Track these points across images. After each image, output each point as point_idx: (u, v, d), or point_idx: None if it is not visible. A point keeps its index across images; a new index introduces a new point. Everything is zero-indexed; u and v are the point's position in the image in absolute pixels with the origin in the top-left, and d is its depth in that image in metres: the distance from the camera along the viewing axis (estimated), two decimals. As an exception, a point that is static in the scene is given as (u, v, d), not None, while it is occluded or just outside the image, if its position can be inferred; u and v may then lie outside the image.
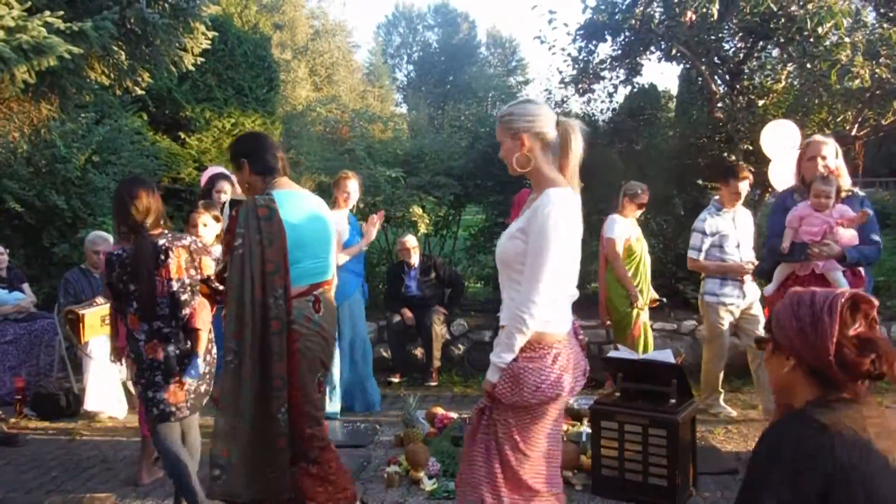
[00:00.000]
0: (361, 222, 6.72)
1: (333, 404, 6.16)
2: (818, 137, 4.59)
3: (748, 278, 5.94)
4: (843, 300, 1.86)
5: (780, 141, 6.64)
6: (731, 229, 5.96)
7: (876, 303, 1.90)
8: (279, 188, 3.53)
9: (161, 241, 3.85)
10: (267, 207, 3.35)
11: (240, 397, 3.25)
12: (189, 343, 3.94)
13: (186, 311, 3.91)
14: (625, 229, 6.43)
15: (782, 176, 6.64)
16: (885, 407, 1.81)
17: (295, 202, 3.52)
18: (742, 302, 5.95)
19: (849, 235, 4.48)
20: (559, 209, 2.70)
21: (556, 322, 2.78)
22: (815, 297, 1.90)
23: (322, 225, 3.60)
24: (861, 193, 4.63)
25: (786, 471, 1.76)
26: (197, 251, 4.01)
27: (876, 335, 1.85)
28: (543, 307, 2.69)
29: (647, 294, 6.51)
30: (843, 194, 4.62)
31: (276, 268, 3.28)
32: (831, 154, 4.60)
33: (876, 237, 4.54)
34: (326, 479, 3.51)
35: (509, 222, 6.43)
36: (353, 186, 6.38)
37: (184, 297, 3.89)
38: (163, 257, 3.83)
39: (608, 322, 6.69)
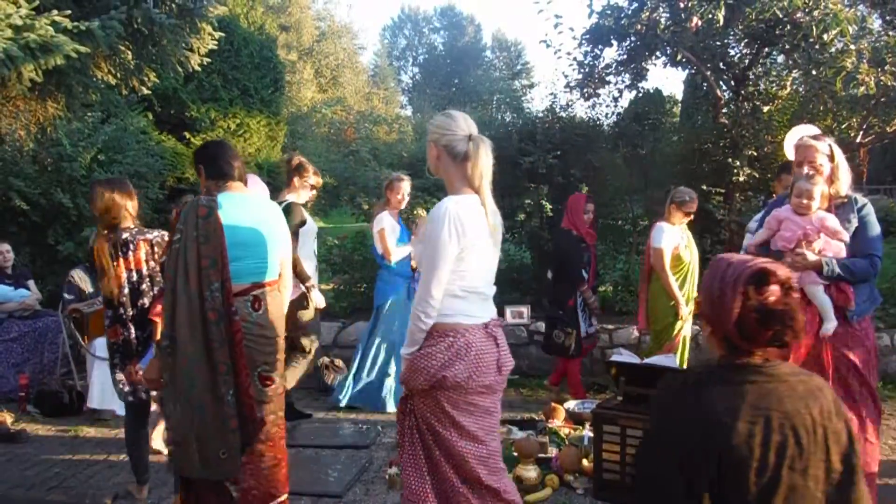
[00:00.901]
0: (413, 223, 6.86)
1: (343, 395, 6.47)
2: (808, 140, 4.01)
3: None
4: (749, 272, 1.95)
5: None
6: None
7: (791, 275, 1.97)
8: (227, 191, 3.72)
9: (124, 235, 4.30)
10: (207, 207, 3.48)
11: (183, 381, 3.36)
12: (149, 331, 4.30)
13: (146, 299, 4.33)
14: (673, 238, 6.22)
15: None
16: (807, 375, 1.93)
17: (239, 205, 3.68)
18: None
19: (832, 245, 3.85)
20: (453, 216, 2.97)
21: (459, 315, 3.05)
22: (727, 269, 2.00)
23: (266, 228, 3.73)
24: (862, 200, 4.00)
25: (657, 442, 2.01)
26: (159, 244, 4.39)
27: (783, 307, 1.93)
28: (438, 304, 3.00)
29: (692, 303, 6.22)
30: (838, 201, 3.97)
31: (211, 263, 3.39)
32: (825, 159, 3.98)
33: (874, 251, 3.85)
34: (257, 470, 3.65)
35: (566, 226, 6.48)
36: (406, 189, 6.55)
37: (142, 286, 4.32)
38: (124, 249, 4.28)
39: (644, 331, 6.58)
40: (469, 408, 3.05)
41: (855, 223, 3.87)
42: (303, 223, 6.01)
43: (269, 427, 3.68)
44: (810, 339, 3.80)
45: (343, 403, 6.49)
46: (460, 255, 3.00)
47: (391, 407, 6.35)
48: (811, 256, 3.77)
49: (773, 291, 1.93)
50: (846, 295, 3.79)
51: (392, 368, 6.49)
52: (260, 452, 3.63)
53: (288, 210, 5.77)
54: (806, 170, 3.91)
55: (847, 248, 3.82)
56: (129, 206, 4.41)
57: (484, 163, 3.13)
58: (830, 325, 3.76)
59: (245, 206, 3.73)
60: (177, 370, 3.38)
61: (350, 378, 6.59)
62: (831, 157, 3.91)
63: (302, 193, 6.16)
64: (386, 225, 6.44)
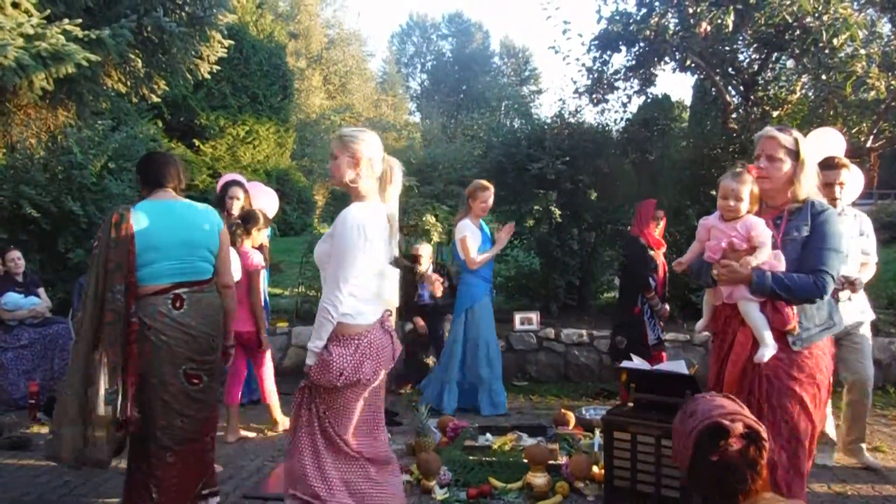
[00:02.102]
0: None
1: (450, 402, 6.62)
2: (770, 131, 3.43)
3: (846, 296, 4.92)
4: (701, 428, 1.92)
5: (825, 150, 6.52)
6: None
7: (754, 423, 1.98)
8: (153, 198, 4.00)
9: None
10: (119, 214, 3.82)
11: (73, 374, 3.69)
12: None
13: None
14: None
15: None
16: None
17: (159, 211, 3.92)
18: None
19: (765, 255, 3.31)
20: (360, 220, 3.28)
21: (360, 316, 3.33)
22: (687, 419, 1.98)
23: (186, 231, 3.94)
24: (822, 206, 3.34)
25: None
26: None
27: (737, 460, 1.92)
28: (345, 300, 3.26)
29: None
30: (793, 206, 3.37)
31: (116, 266, 3.70)
32: (787, 154, 3.36)
33: (823, 267, 3.22)
34: (185, 469, 3.87)
35: (634, 233, 6.40)
36: (489, 197, 6.68)
37: None
38: None
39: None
40: (367, 397, 3.41)
41: (805, 232, 3.29)
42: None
43: (200, 426, 3.92)
44: (741, 362, 3.36)
45: (450, 410, 6.54)
46: (362, 258, 3.29)
47: (486, 410, 6.56)
48: (741, 269, 3.30)
49: (729, 445, 1.92)
50: (782, 316, 3.27)
51: (484, 371, 6.62)
52: (190, 450, 3.89)
53: None
54: (762, 163, 3.39)
55: (794, 261, 3.29)
56: None
57: (397, 182, 3.58)
58: (765, 349, 3.25)
59: (166, 211, 3.93)
60: (72, 364, 3.74)
61: (447, 383, 6.68)
62: (796, 154, 3.34)
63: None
64: (468, 232, 6.59)
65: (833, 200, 4.79)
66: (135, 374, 3.72)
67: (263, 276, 6.21)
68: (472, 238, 6.59)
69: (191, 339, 3.85)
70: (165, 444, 3.81)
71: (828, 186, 4.68)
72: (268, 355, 6.12)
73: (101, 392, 3.61)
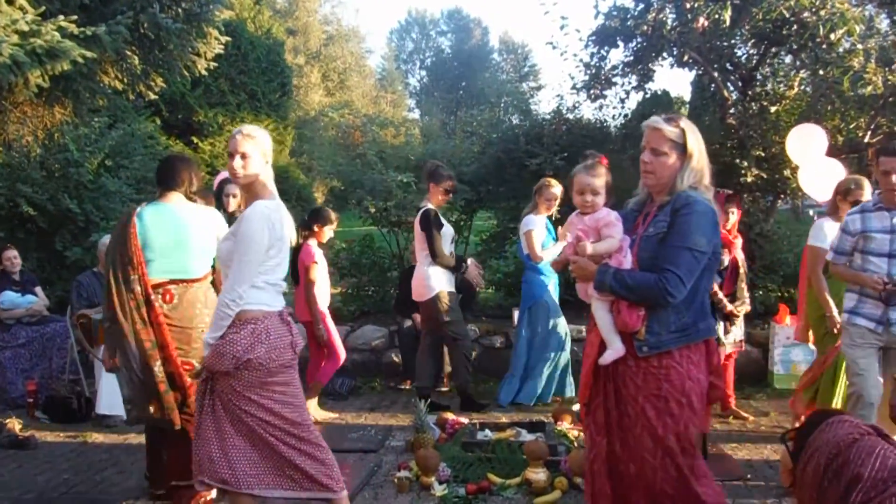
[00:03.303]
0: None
1: (507, 395, 6.68)
2: (656, 122, 3.13)
3: None
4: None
5: (806, 146, 6.51)
6: (883, 231, 4.39)
7: None
8: (160, 200, 4.39)
9: None
10: (128, 214, 4.33)
11: (123, 353, 4.17)
12: None
13: None
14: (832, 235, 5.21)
15: (812, 182, 6.54)
16: None
17: (160, 214, 4.33)
18: (883, 330, 4.35)
19: (604, 247, 3.10)
20: (265, 217, 3.41)
21: (258, 304, 3.44)
22: (857, 465, 1.59)
23: (179, 233, 4.31)
24: (688, 198, 3.01)
25: None
26: None
27: None
28: (245, 294, 3.38)
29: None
30: (664, 199, 3.11)
31: (128, 260, 4.19)
32: (672, 147, 3.07)
33: (671, 267, 2.92)
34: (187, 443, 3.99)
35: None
36: (557, 193, 6.60)
37: None
38: None
39: (811, 343, 5.79)
40: (270, 385, 3.47)
41: (664, 228, 3.02)
42: (440, 227, 6.39)
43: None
44: (590, 363, 3.16)
45: (506, 403, 6.63)
46: (268, 253, 3.44)
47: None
48: (587, 264, 3.10)
49: None
50: (623, 317, 3.00)
51: (547, 366, 6.66)
52: (186, 429, 4.16)
53: (426, 216, 6.35)
54: (646, 156, 3.13)
55: (649, 259, 3.03)
56: None
57: None
58: (608, 352, 3.03)
59: (166, 215, 4.33)
60: (119, 343, 4.18)
61: (512, 378, 6.72)
62: (682, 146, 3.05)
63: (438, 199, 6.51)
64: (533, 227, 6.53)
65: (891, 192, 4.33)
66: (172, 349, 4.23)
67: (323, 271, 6.37)
68: (537, 233, 6.52)
69: (179, 329, 4.27)
70: (190, 403, 4.19)
71: (885, 175, 4.31)
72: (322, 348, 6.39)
73: (154, 367, 4.17)
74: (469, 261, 6.77)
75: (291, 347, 3.58)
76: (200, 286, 4.40)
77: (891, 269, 4.32)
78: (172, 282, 4.28)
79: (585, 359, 3.20)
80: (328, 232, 6.45)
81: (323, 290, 6.32)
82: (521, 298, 6.86)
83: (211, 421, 3.50)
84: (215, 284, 4.45)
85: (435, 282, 6.35)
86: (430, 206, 6.47)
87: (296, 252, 6.43)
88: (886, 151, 4.34)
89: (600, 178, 3.26)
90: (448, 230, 6.57)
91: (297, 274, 6.37)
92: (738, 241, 6.20)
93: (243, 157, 3.51)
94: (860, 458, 1.56)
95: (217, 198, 6.51)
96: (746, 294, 6.20)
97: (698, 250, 2.93)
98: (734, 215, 6.09)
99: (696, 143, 3.07)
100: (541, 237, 6.56)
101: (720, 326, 5.99)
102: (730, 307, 6.02)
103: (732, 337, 6.11)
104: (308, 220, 6.46)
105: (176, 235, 4.28)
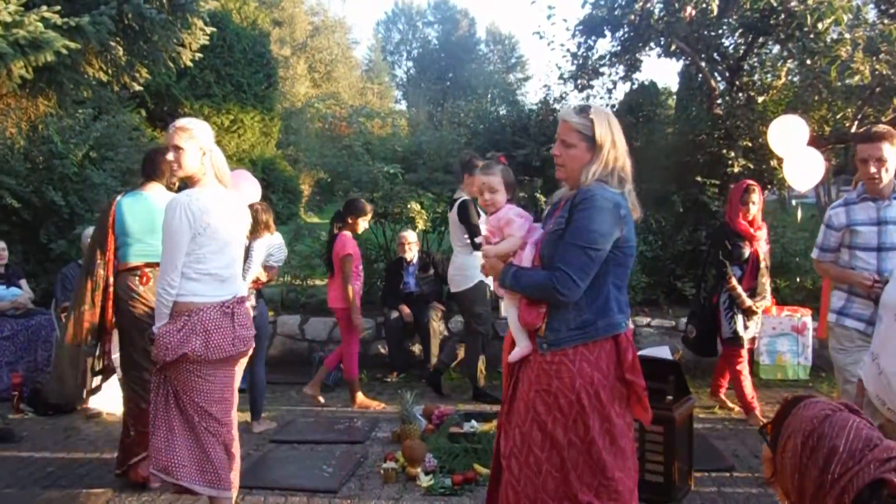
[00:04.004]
0: None
1: None
2: (566, 113, 3.06)
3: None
4: (861, 485, 1.53)
5: (789, 137, 6.49)
6: (869, 224, 4.11)
7: None
8: (139, 190, 4.67)
9: None
10: (107, 203, 4.67)
11: (67, 331, 4.48)
12: None
13: None
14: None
15: (797, 173, 6.54)
16: None
17: (137, 201, 4.59)
18: (872, 331, 3.70)
19: (507, 246, 3.09)
20: (184, 207, 3.48)
21: (192, 295, 3.53)
22: (851, 449, 1.56)
23: (154, 220, 4.39)
24: (588, 192, 2.87)
25: None
26: None
27: None
28: (176, 283, 3.49)
29: None
30: (571, 195, 2.99)
31: (98, 245, 4.52)
32: (580, 139, 2.97)
33: (562, 264, 2.83)
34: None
35: (726, 219, 6.00)
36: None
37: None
38: None
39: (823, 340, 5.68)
40: (206, 378, 3.57)
41: (563, 224, 2.92)
42: (477, 217, 6.34)
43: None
44: (504, 360, 3.13)
45: None
46: (196, 241, 3.49)
47: None
48: (496, 264, 3.09)
49: None
50: (523, 315, 2.97)
51: None
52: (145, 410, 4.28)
53: (464, 207, 6.33)
54: (556, 149, 3.06)
55: (549, 256, 2.93)
56: None
57: (222, 157, 3.76)
58: (515, 350, 3.02)
59: (142, 203, 4.58)
60: (67, 325, 4.51)
61: None
62: (592, 137, 2.94)
63: (472, 189, 6.29)
64: None
65: (872, 181, 4.03)
66: (110, 332, 4.62)
67: (357, 262, 6.45)
68: None
69: (151, 310, 4.32)
70: (139, 392, 4.48)
71: (863, 164, 4.02)
72: (356, 335, 6.55)
73: (84, 346, 4.47)
74: None
75: (233, 341, 3.60)
76: None
77: (880, 264, 4.02)
78: (148, 265, 4.52)
79: (503, 356, 3.16)
80: (363, 223, 6.55)
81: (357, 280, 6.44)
82: None
83: (162, 410, 3.62)
84: None
85: (473, 272, 6.29)
86: (466, 196, 6.42)
87: (330, 243, 6.52)
88: (863, 138, 4.13)
89: (496, 176, 3.20)
90: (485, 220, 6.45)
91: (332, 264, 6.44)
92: (762, 233, 5.96)
93: (177, 150, 3.61)
94: (834, 432, 1.56)
95: None
96: (768, 289, 5.99)
97: (593, 248, 2.82)
98: (755, 206, 5.85)
99: (606, 135, 2.94)
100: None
101: (739, 322, 5.83)
102: (748, 303, 5.82)
103: (751, 333, 5.91)
104: (343, 211, 6.54)
105: (150, 222, 4.46)
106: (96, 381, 4.70)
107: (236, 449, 3.78)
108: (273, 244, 5.82)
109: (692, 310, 6.35)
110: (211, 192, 3.61)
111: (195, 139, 3.61)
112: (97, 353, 4.59)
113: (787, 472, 1.60)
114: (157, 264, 4.28)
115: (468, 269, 6.36)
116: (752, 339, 5.98)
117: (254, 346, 3.87)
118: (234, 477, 3.76)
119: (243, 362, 3.84)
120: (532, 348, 2.96)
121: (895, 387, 2.70)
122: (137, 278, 4.51)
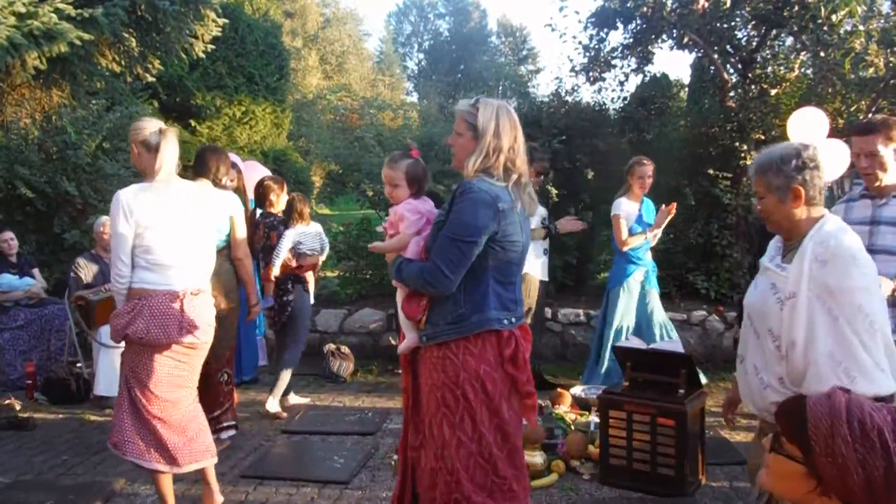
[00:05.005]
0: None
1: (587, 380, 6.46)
2: (459, 103, 3.06)
3: None
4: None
5: (808, 129, 6.41)
6: (861, 223, 3.62)
7: None
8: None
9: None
10: None
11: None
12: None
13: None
14: None
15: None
16: None
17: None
18: None
19: (391, 245, 3.14)
20: (122, 203, 3.66)
21: (143, 282, 3.73)
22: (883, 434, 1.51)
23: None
24: (466, 185, 2.89)
25: None
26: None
27: None
28: (126, 271, 3.70)
29: None
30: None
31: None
32: (466, 128, 2.95)
33: (437, 259, 2.85)
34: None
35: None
36: (648, 170, 6.29)
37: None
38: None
39: None
40: (158, 359, 3.77)
41: (443, 216, 2.95)
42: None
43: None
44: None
45: (586, 384, 6.41)
46: (140, 234, 3.67)
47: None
48: (392, 256, 3.12)
49: None
50: (404, 307, 3.01)
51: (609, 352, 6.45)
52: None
53: None
54: (450, 139, 3.06)
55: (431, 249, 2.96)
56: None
57: (168, 151, 3.78)
58: (404, 342, 3.07)
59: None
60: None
61: (590, 361, 6.57)
62: (473, 127, 2.92)
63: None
64: (620, 210, 6.25)
65: (867, 178, 3.68)
66: None
67: None
68: (624, 217, 6.21)
69: None
70: None
71: (856, 158, 3.73)
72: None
73: None
74: (561, 220, 6.52)
75: (179, 328, 3.75)
76: (218, 258, 4.80)
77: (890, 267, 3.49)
78: None
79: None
80: None
81: None
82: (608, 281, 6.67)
83: (122, 389, 3.89)
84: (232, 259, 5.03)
85: (526, 266, 6.26)
86: None
87: None
88: (856, 130, 3.78)
89: (397, 172, 3.16)
90: (540, 210, 6.32)
91: None
92: None
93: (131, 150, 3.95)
94: (862, 412, 1.50)
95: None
96: None
97: (464, 240, 2.80)
98: None
99: (489, 124, 2.88)
100: (628, 222, 6.24)
101: None
102: None
103: None
104: None
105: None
106: None
107: (195, 429, 3.93)
108: (305, 233, 5.99)
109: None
110: (156, 186, 3.77)
111: (131, 137, 3.90)
112: None
113: (848, 472, 1.51)
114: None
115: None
116: None
117: (209, 338, 3.98)
118: (194, 454, 3.90)
119: (203, 354, 4.01)
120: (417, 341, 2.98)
121: (755, 387, 2.70)
122: None
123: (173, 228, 3.77)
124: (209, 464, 3.97)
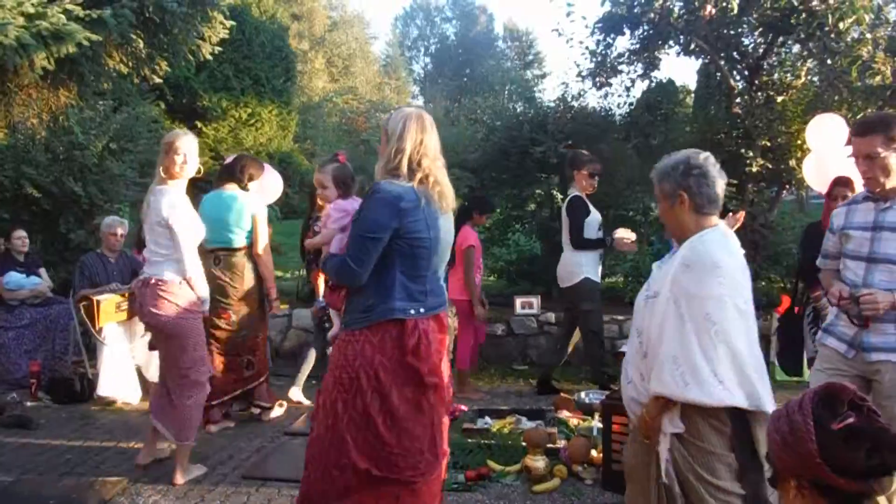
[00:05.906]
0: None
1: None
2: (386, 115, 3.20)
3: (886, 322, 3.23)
4: (812, 395, 1.63)
5: (827, 135, 6.34)
6: (863, 228, 3.38)
7: (854, 389, 1.64)
8: (219, 189, 5.53)
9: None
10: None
11: None
12: None
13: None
14: None
15: (817, 172, 6.42)
16: None
17: (210, 198, 5.49)
18: (854, 356, 3.30)
19: (317, 242, 3.49)
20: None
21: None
22: (788, 404, 1.66)
23: (220, 213, 5.39)
24: (373, 189, 3.06)
25: None
26: None
27: (867, 424, 1.59)
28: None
29: None
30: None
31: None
32: (384, 132, 3.19)
33: (349, 251, 3.08)
34: (228, 370, 5.63)
35: (824, 213, 5.64)
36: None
37: None
38: None
39: None
40: (166, 336, 4.46)
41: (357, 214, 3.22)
42: (587, 214, 6.33)
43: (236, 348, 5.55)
44: None
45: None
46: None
47: None
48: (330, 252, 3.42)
49: (853, 409, 1.60)
50: (327, 297, 3.27)
51: None
52: (229, 363, 5.57)
53: (573, 204, 6.34)
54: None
55: None
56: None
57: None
58: (333, 328, 3.40)
59: (214, 199, 5.48)
60: None
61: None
62: (384, 132, 3.17)
63: (583, 184, 6.42)
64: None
65: (867, 181, 3.35)
66: None
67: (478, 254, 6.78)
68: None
69: (224, 284, 5.40)
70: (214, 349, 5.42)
71: (855, 160, 3.38)
72: (472, 327, 6.78)
73: None
74: (616, 233, 6.42)
75: (141, 310, 4.38)
76: (242, 254, 5.46)
77: (867, 276, 3.29)
78: (220, 249, 5.39)
79: None
80: (486, 219, 7.02)
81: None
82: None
83: None
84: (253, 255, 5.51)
85: (580, 268, 6.29)
86: (577, 192, 6.40)
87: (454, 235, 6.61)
88: (855, 131, 3.43)
89: (325, 175, 3.59)
90: (595, 216, 6.41)
91: (454, 255, 6.52)
92: None
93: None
94: (789, 404, 1.68)
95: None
96: None
97: (369, 236, 3.00)
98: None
99: (395, 129, 3.10)
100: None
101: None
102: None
103: None
104: (468, 205, 6.82)
105: (217, 214, 5.33)
106: None
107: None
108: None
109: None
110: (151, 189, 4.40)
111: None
112: None
113: (771, 451, 1.68)
114: (225, 249, 5.41)
115: (573, 266, 6.36)
116: None
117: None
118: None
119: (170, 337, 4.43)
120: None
121: (623, 382, 3.00)
122: (212, 260, 5.34)
123: (149, 225, 4.46)
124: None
